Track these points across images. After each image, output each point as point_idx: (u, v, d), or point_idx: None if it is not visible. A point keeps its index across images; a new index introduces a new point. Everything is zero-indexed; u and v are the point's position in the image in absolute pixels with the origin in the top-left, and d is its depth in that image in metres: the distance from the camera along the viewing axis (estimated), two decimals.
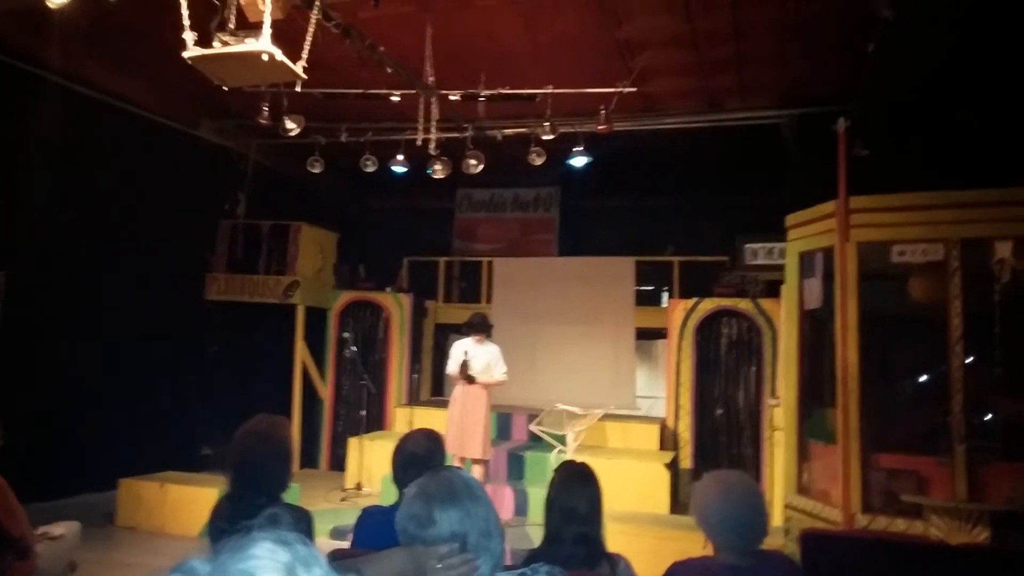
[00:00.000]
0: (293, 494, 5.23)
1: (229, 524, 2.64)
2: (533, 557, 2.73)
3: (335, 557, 2.40)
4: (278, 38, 4.20)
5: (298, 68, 4.45)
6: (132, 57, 7.74)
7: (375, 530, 2.96)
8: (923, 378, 6.26)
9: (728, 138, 8.84)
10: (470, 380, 7.03)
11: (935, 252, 5.25)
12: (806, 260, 6.04)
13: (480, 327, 7.37)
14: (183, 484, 7.11)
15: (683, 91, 8.29)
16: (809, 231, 5.98)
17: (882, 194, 5.44)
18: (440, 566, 1.68)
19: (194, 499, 6.70)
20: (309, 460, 10.06)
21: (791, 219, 6.23)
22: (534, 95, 7.16)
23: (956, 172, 5.51)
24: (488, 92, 7.08)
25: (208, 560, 0.89)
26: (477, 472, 7.01)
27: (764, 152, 8.70)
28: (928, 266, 5.35)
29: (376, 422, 9.92)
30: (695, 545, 2.83)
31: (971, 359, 5.14)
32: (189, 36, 4.23)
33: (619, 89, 7.18)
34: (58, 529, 4.40)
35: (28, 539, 3.93)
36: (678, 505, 7.73)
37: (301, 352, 9.83)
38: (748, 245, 8.40)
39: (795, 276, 6.13)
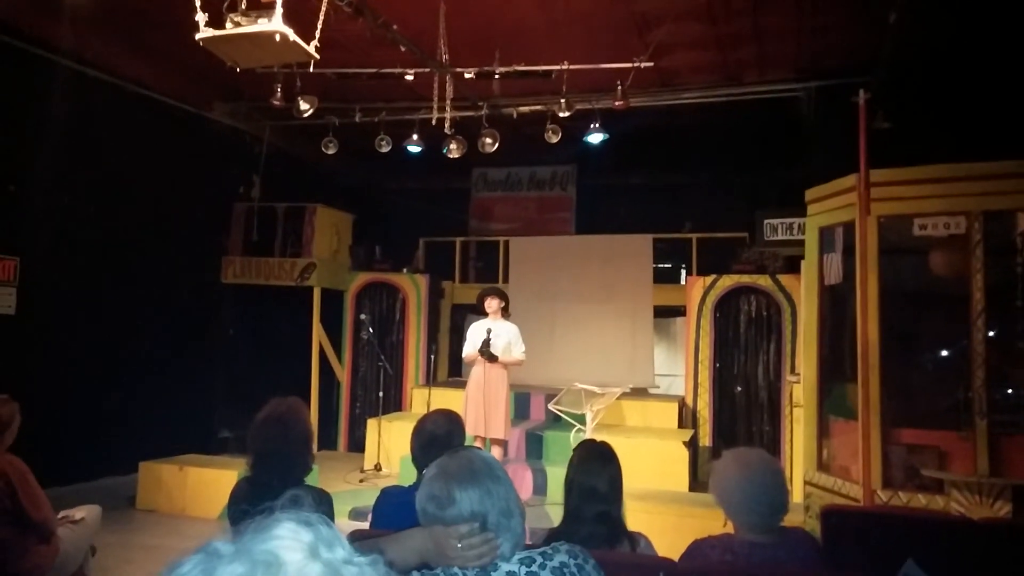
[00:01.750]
0: (312, 476, 5.25)
1: (250, 506, 2.64)
2: (553, 536, 2.72)
3: (355, 538, 2.40)
4: (290, 18, 4.19)
5: (311, 48, 4.43)
6: (144, 40, 7.72)
7: (394, 511, 2.96)
8: (944, 352, 6.20)
9: (747, 112, 8.75)
10: (492, 359, 6.96)
11: (957, 225, 5.17)
12: (826, 235, 5.97)
13: (496, 292, 7.31)
14: (203, 467, 7.15)
15: (701, 65, 8.19)
16: (829, 205, 5.90)
17: (903, 167, 5.36)
18: (460, 545, 1.67)
19: (214, 481, 6.76)
20: (328, 442, 10.11)
21: (811, 194, 6.15)
22: (549, 71, 7.09)
23: (979, 143, 5.43)
24: (503, 69, 7.02)
25: (231, 541, 0.89)
26: (496, 452, 7.02)
27: (783, 126, 8.60)
28: (950, 239, 5.28)
29: (394, 403, 9.97)
30: (715, 523, 2.83)
31: (993, 333, 5.08)
32: (201, 17, 4.22)
33: (636, 64, 7.08)
34: (79, 513, 4.42)
35: (50, 523, 3.98)
36: (697, 483, 7.73)
37: (318, 334, 9.86)
38: (767, 221, 8.31)
39: (815, 251, 6.06)
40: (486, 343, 6.95)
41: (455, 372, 10.86)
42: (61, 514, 4.31)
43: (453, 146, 8.03)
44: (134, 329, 8.29)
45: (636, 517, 5.51)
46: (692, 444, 8.19)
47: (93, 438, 7.55)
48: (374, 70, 7.19)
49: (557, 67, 7.06)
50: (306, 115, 7.44)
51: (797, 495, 6.20)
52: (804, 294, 6.46)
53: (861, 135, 5.35)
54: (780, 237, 8.25)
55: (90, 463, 7.56)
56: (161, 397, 8.41)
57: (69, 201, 7.55)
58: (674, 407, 8.88)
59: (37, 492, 3.90)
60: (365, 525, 3.52)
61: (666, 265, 11.37)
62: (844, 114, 5.56)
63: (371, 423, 8.95)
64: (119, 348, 8.10)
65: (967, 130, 6.46)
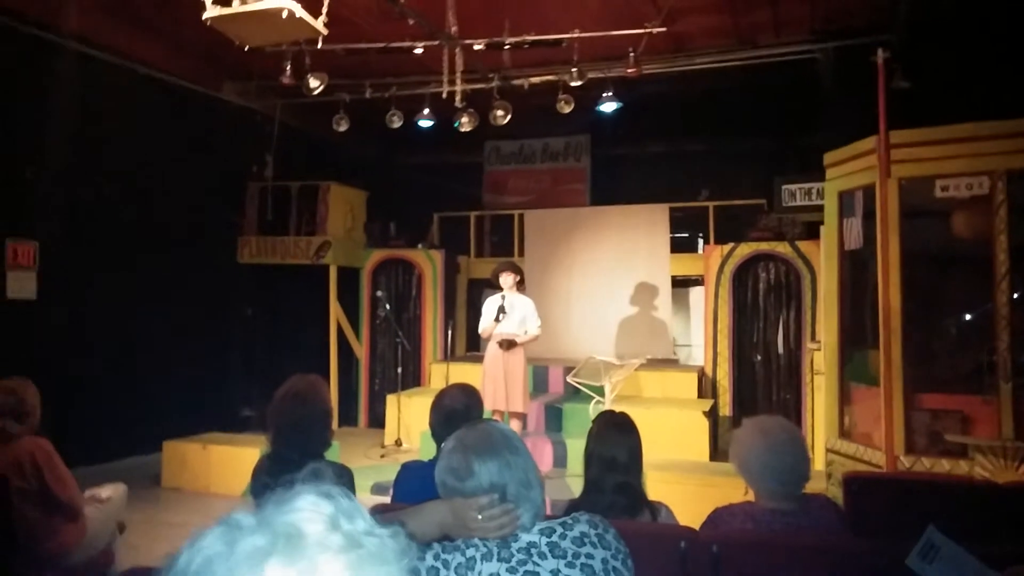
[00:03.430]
0: (333, 452, 5.29)
1: (272, 480, 2.67)
2: (574, 507, 2.73)
3: (376, 512, 2.40)
4: None
5: (318, 24, 4.38)
6: (152, 20, 7.70)
7: (415, 484, 2.97)
8: (968, 316, 6.13)
9: (762, 76, 8.59)
10: (509, 345, 6.99)
11: (980, 185, 5.07)
12: (846, 199, 5.89)
13: (510, 266, 7.29)
14: (225, 445, 7.24)
15: (714, 29, 8.04)
16: (848, 169, 5.81)
17: (924, 127, 5.25)
18: (480, 517, 1.67)
19: (237, 459, 6.82)
20: (348, 418, 10.17)
21: (829, 157, 6.05)
22: (560, 40, 6.99)
23: (1001, 101, 5.31)
24: (513, 39, 6.94)
25: (253, 513, 0.89)
26: (515, 425, 7.03)
27: (800, 89, 8.44)
28: (973, 200, 5.19)
29: (412, 379, 10.00)
30: (736, 492, 2.82)
31: (1017, 295, 5.00)
32: None
33: (648, 30, 6.97)
34: (105, 491, 4.47)
35: (77, 502, 4.03)
36: (718, 453, 7.71)
37: (335, 312, 9.89)
38: (786, 186, 8.20)
39: (834, 216, 5.98)
40: (501, 309, 6.98)
41: (473, 347, 10.87)
42: (88, 493, 4.35)
43: (465, 119, 7.97)
44: (154, 310, 8.33)
45: (657, 487, 5.50)
46: (712, 414, 8.16)
47: (117, 418, 7.63)
48: (383, 45, 7.13)
49: (568, 36, 6.96)
50: (316, 92, 7.39)
51: (819, 462, 6.18)
52: (824, 260, 6.38)
53: (880, 96, 5.25)
54: (799, 203, 8.14)
55: (115, 443, 7.64)
56: (183, 377, 8.50)
57: (84, 185, 7.58)
58: (693, 377, 8.84)
59: (64, 472, 3.95)
60: (387, 500, 3.53)
61: (683, 234, 11.27)
62: (862, 75, 5.45)
63: (390, 399, 8.99)
64: (140, 330, 8.15)
65: (988, 87, 6.33)
